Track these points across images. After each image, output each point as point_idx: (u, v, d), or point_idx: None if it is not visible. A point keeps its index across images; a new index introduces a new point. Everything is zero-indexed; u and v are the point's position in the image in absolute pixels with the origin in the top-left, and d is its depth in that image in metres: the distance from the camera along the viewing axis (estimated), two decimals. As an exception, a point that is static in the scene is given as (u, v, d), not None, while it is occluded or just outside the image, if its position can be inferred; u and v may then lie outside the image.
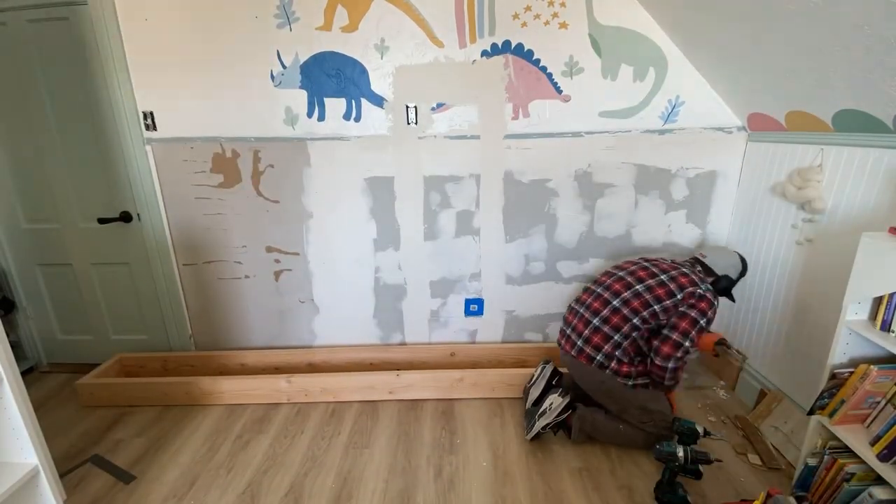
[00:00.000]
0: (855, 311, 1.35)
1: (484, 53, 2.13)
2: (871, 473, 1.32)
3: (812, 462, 1.47)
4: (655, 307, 1.76)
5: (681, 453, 1.57)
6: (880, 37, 1.24)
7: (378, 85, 2.19)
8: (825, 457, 1.42)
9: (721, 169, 2.28)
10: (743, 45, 1.73)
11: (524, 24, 2.09)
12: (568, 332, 1.94)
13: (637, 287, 1.81)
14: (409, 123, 2.23)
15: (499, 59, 2.14)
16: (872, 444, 1.29)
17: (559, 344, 2.00)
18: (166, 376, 2.44)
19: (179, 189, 2.34)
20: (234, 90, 2.18)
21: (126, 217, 2.37)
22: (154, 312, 2.55)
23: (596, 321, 1.84)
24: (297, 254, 2.45)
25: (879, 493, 1.27)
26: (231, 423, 2.14)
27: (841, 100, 1.54)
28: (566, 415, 1.91)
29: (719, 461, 1.68)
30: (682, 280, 1.78)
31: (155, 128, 2.24)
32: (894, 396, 1.27)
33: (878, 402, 1.32)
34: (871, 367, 1.30)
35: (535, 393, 2.03)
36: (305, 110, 2.22)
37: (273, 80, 2.17)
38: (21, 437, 1.34)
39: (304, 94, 2.19)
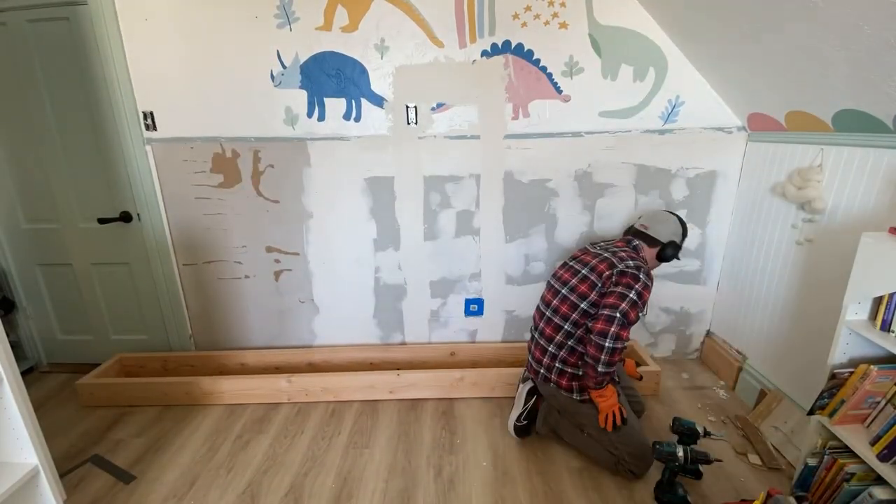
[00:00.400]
0: (855, 311, 1.35)
1: (484, 53, 2.14)
2: (871, 473, 1.32)
3: (812, 462, 1.47)
4: (582, 305, 1.67)
5: (680, 453, 1.57)
6: (880, 37, 1.24)
7: (378, 85, 2.19)
8: (825, 457, 1.42)
9: (721, 169, 2.28)
10: (743, 45, 1.73)
11: (524, 24, 2.09)
12: (531, 362, 1.90)
13: (562, 291, 1.76)
14: (409, 123, 2.23)
15: (499, 59, 2.14)
16: (872, 444, 1.29)
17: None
18: (166, 376, 2.44)
19: (179, 189, 2.34)
20: (234, 90, 2.18)
21: (126, 217, 2.37)
22: (154, 312, 2.55)
23: (536, 335, 1.85)
24: (297, 254, 2.45)
25: (879, 493, 1.27)
26: (231, 422, 2.14)
27: (841, 100, 1.54)
28: (533, 400, 1.90)
29: (719, 461, 1.68)
30: (601, 267, 1.69)
31: (155, 128, 2.24)
32: (894, 396, 1.27)
33: (878, 402, 1.32)
34: (871, 367, 1.30)
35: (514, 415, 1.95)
36: (305, 110, 2.22)
37: (273, 80, 2.17)
38: (21, 437, 1.34)
39: (304, 94, 2.19)
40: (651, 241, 1.84)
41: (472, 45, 2.13)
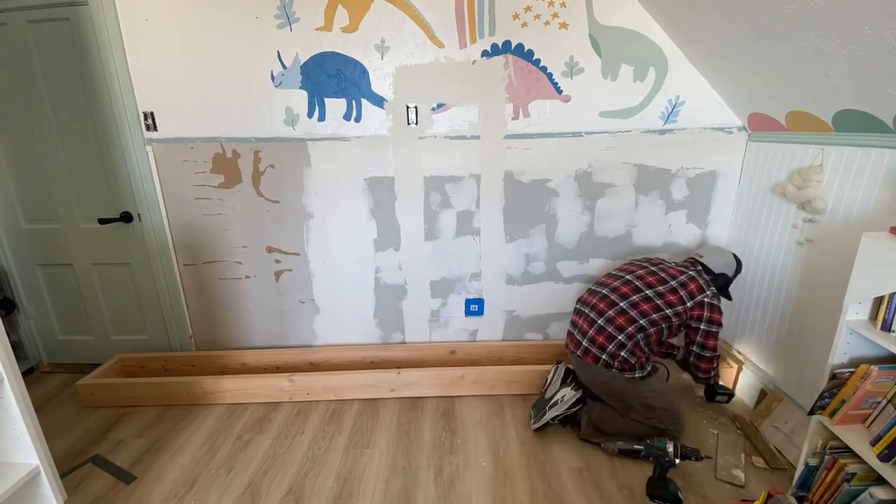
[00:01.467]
0: (855, 311, 1.35)
1: (484, 53, 2.14)
2: (872, 473, 1.32)
3: (812, 462, 1.47)
4: (667, 311, 1.82)
5: (670, 448, 1.58)
6: (880, 37, 1.24)
7: (378, 85, 2.19)
8: (826, 457, 1.42)
9: (721, 169, 2.28)
10: (743, 45, 1.73)
11: (524, 25, 2.09)
12: (574, 332, 1.97)
13: (647, 292, 1.85)
14: (409, 124, 2.23)
15: (499, 60, 2.14)
16: (873, 444, 1.29)
17: (566, 345, 2.03)
18: (166, 376, 2.44)
19: (180, 189, 2.34)
20: (234, 90, 2.18)
21: (126, 217, 2.37)
22: (154, 312, 2.55)
23: (601, 321, 1.86)
24: (298, 254, 2.45)
25: (880, 493, 1.27)
26: (231, 422, 2.14)
27: (841, 100, 1.54)
28: (576, 409, 1.96)
29: (709, 457, 1.69)
30: (692, 286, 1.85)
31: (155, 128, 2.24)
32: (895, 396, 1.27)
33: (879, 402, 1.32)
34: (872, 367, 1.29)
35: (550, 392, 2.04)
36: (306, 110, 2.22)
37: (273, 81, 2.17)
38: (22, 437, 1.35)
39: (304, 95, 2.19)
40: (705, 269, 1.97)
41: (473, 45, 2.13)
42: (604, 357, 1.83)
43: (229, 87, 2.18)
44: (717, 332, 1.87)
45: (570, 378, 2.07)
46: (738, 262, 2.05)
